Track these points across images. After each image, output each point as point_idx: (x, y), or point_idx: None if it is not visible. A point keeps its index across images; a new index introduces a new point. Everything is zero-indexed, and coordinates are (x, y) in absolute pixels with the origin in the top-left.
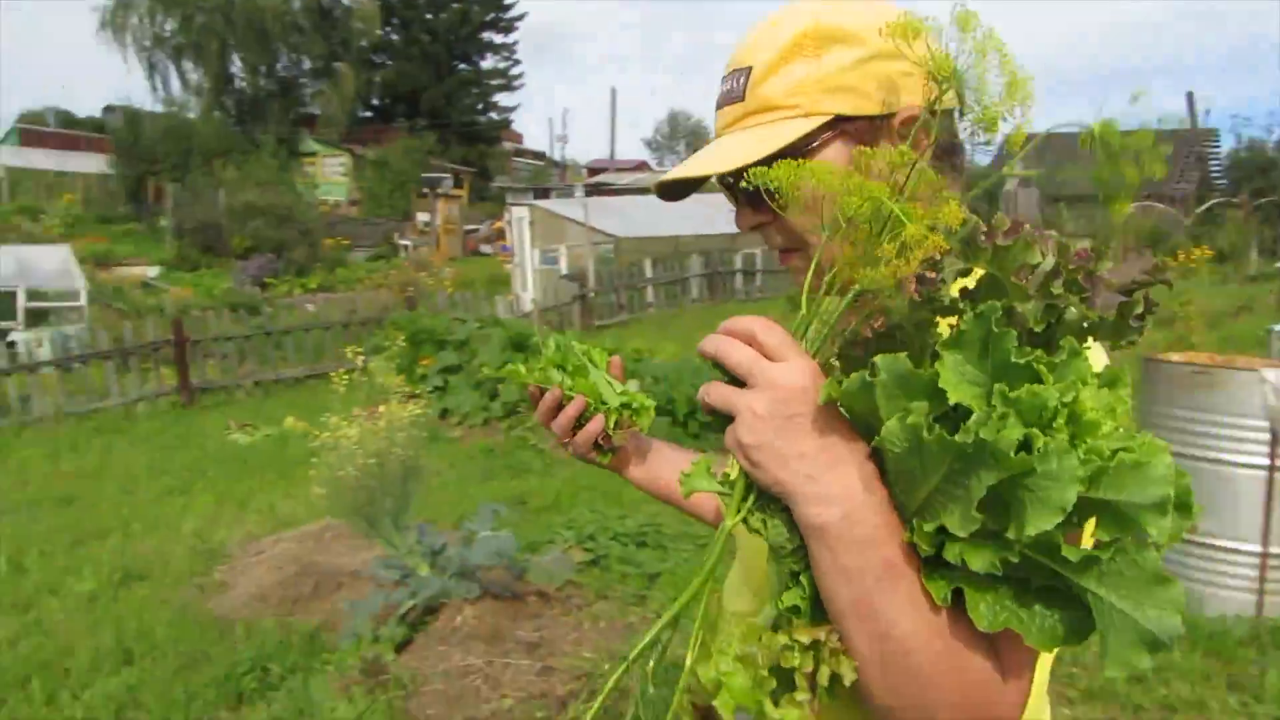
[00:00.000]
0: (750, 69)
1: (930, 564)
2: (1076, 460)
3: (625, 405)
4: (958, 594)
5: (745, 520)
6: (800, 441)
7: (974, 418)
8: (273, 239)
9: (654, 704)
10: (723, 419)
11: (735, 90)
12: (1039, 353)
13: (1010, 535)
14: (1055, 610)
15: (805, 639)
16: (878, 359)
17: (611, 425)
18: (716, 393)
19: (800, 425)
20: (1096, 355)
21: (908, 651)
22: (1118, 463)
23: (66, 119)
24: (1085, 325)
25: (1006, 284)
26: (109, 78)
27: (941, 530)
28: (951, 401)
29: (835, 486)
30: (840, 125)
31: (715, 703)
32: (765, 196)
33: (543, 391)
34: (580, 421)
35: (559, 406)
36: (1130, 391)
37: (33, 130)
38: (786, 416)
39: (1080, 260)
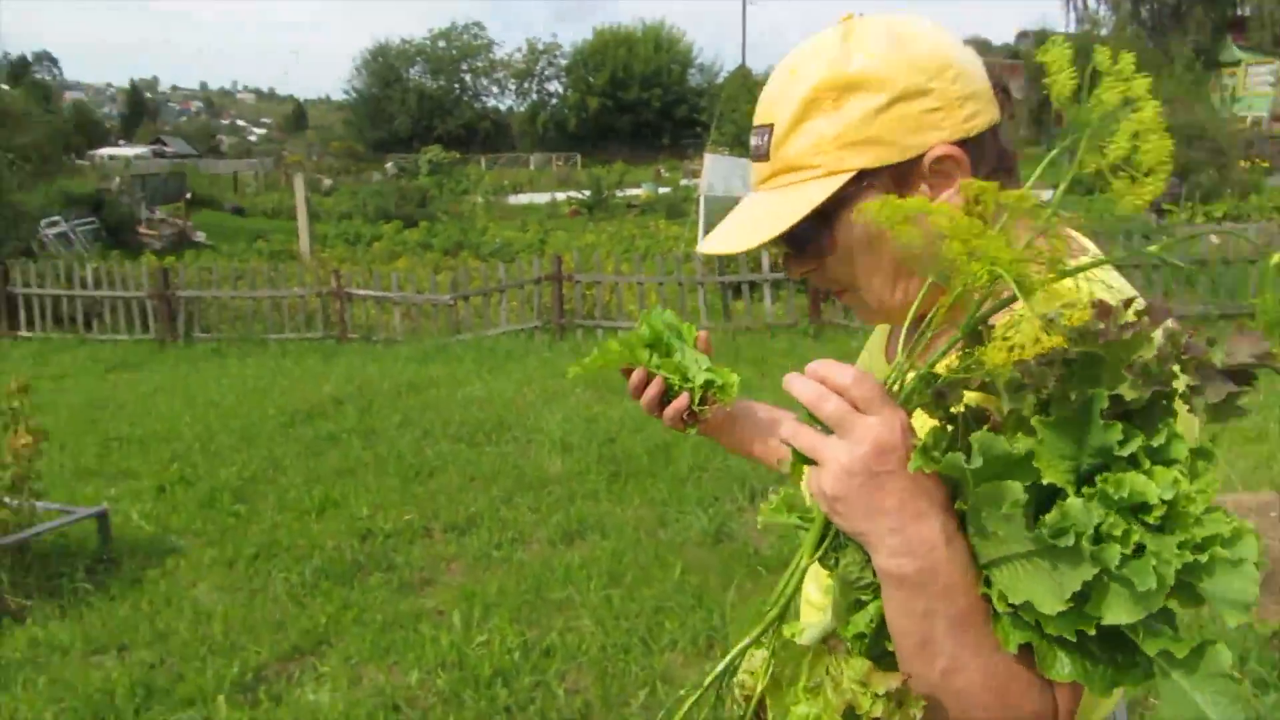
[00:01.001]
0: (772, 127)
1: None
2: (1172, 561)
3: (709, 383)
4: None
5: (819, 558)
6: (885, 498)
7: (1072, 514)
8: (1176, 161)
9: None
10: (805, 459)
11: (761, 148)
12: (1140, 438)
13: (1089, 611)
14: (1119, 658)
15: (881, 689)
16: (974, 441)
17: (696, 401)
18: (805, 439)
19: (886, 481)
20: (1189, 427)
21: (969, 694)
22: (1211, 557)
23: (981, 46)
24: (1189, 410)
25: (1114, 368)
26: (1023, 4)
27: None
28: (1045, 481)
29: (915, 540)
30: (866, 178)
31: None
32: (809, 249)
33: (633, 370)
34: (669, 398)
35: (648, 383)
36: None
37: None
38: (873, 473)
39: (1192, 351)
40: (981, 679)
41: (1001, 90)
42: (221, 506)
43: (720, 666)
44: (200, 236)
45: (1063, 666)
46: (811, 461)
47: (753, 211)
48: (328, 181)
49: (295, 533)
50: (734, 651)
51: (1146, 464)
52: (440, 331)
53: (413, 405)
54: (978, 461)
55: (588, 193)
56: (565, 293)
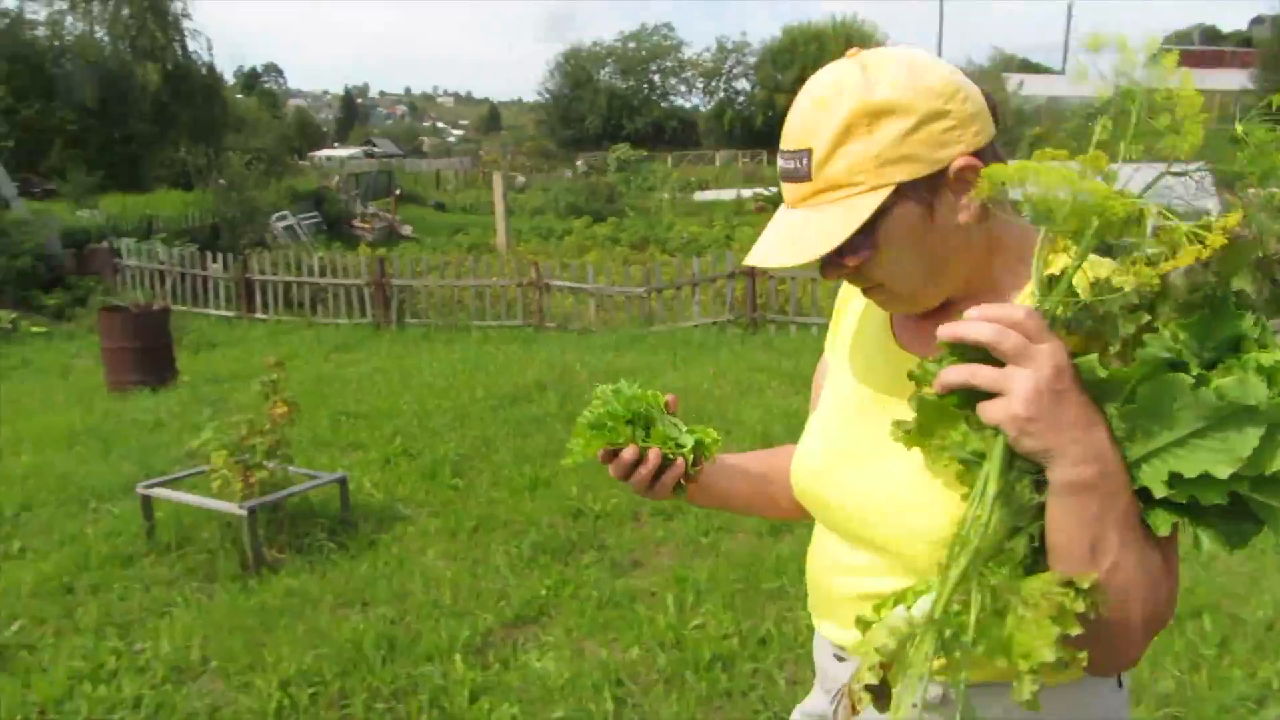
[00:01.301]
0: (811, 151)
1: (1150, 502)
2: None
3: (699, 443)
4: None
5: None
6: (1067, 411)
7: (1232, 382)
8: None
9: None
10: (966, 398)
11: (801, 170)
12: (1262, 322)
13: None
14: (1236, 524)
15: (1085, 584)
16: (1139, 354)
17: (690, 466)
18: (985, 375)
19: (1065, 397)
20: None
21: (1129, 587)
22: None
23: (1211, 34)
24: None
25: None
26: None
27: (1173, 474)
28: (1194, 374)
29: (1094, 447)
30: (903, 190)
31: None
32: (851, 255)
33: (613, 452)
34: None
35: (636, 461)
36: None
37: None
38: (1056, 392)
39: None
40: (1139, 572)
41: (992, 109)
42: (442, 480)
43: (943, 600)
44: (407, 230)
45: (1203, 543)
46: (983, 397)
47: (804, 227)
48: (521, 179)
49: (511, 508)
50: (950, 585)
51: (1271, 344)
52: (633, 323)
53: None
54: (1142, 369)
55: (774, 189)
56: (758, 288)
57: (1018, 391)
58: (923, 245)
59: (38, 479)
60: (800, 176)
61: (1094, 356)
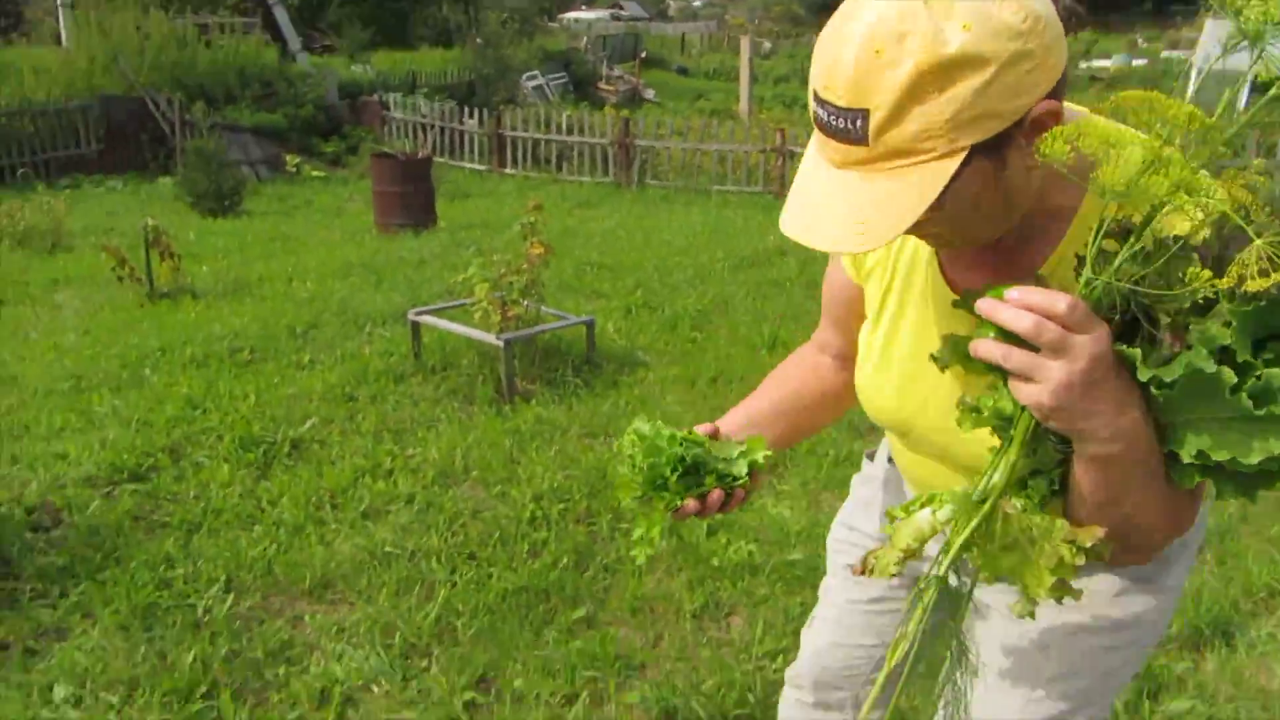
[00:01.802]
0: (867, 112)
1: (1176, 462)
2: None
3: (753, 463)
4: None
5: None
6: (1099, 400)
7: (1271, 387)
8: None
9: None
10: (999, 369)
11: (855, 133)
12: None
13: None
14: (1257, 480)
15: (1087, 543)
16: (1195, 338)
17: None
18: (1018, 359)
19: (1099, 386)
20: None
21: (1149, 524)
22: None
23: None
24: None
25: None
26: None
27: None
28: (1240, 360)
29: (1123, 429)
30: (976, 149)
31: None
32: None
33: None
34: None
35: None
36: None
37: None
38: (1089, 383)
39: None
40: (1159, 513)
41: (1063, 7)
42: (681, 332)
43: (950, 556)
44: (650, 94)
45: (1226, 492)
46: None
47: (862, 199)
48: (767, 45)
49: (747, 364)
50: (960, 540)
51: None
52: None
53: None
54: (1183, 370)
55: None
56: None
57: (1049, 382)
58: (990, 198)
59: (321, 303)
60: (854, 139)
61: (1138, 352)
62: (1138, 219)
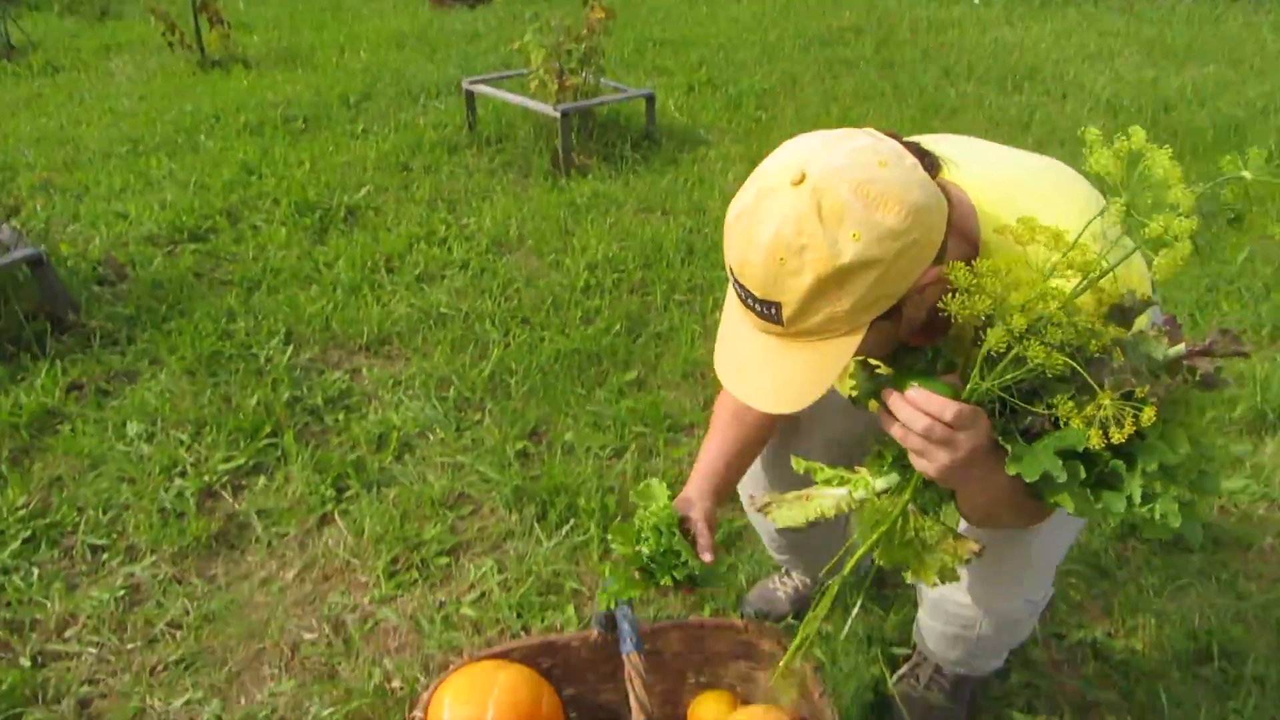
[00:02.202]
0: (781, 305)
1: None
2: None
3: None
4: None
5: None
6: (974, 472)
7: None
8: None
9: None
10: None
11: (771, 316)
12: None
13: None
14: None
15: (965, 555)
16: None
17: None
18: (914, 442)
19: (976, 465)
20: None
21: (1012, 522)
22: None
23: None
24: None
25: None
26: None
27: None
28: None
29: (993, 488)
30: (877, 318)
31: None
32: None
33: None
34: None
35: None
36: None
37: None
38: (968, 464)
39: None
40: (1022, 518)
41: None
42: (745, 110)
43: (858, 554)
44: None
45: (1068, 508)
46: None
47: (790, 364)
48: None
49: None
50: (867, 545)
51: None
52: None
53: (933, 43)
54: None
55: None
56: None
57: (934, 463)
58: (890, 339)
59: (374, 73)
60: (770, 319)
61: (1009, 448)
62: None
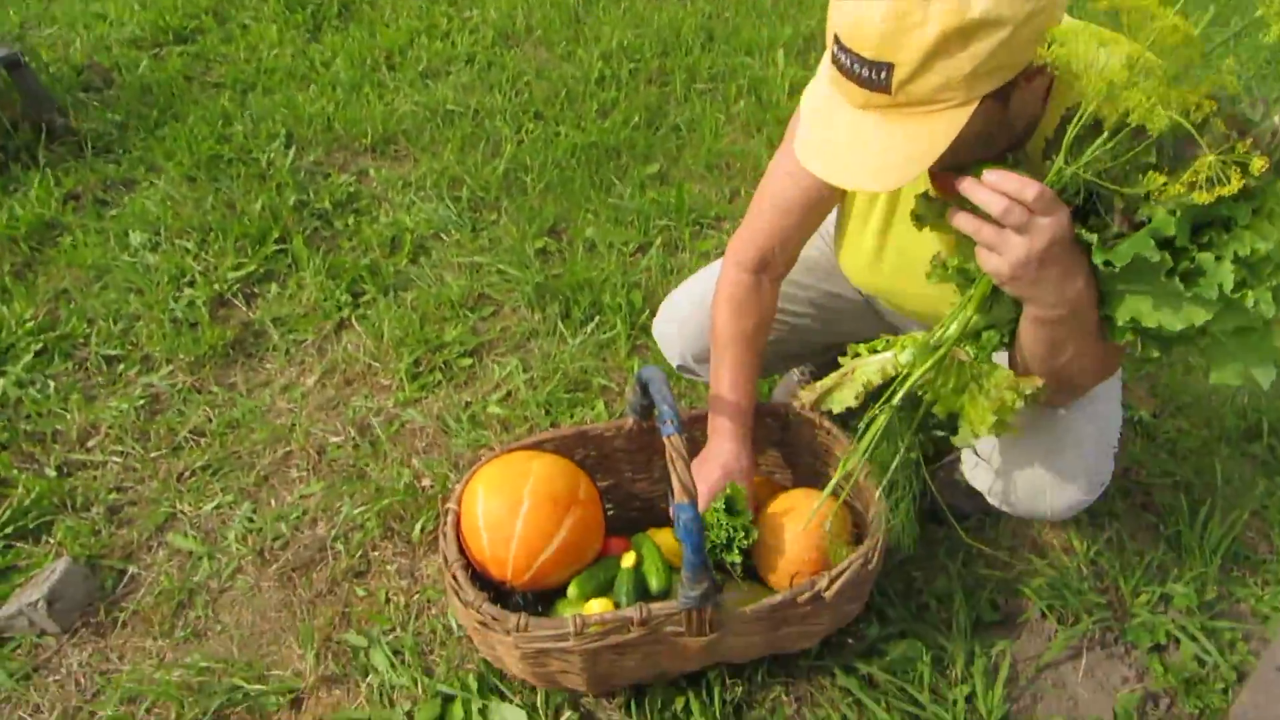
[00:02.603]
0: (892, 65)
1: (1111, 323)
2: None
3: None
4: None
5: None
6: (1051, 273)
7: (1209, 273)
8: None
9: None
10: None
11: (878, 82)
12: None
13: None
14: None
15: (1028, 390)
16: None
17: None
18: (987, 234)
19: (1054, 262)
20: None
21: (1081, 367)
22: None
23: None
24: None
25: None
26: None
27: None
28: (1179, 245)
29: (1069, 295)
30: (988, 95)
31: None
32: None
33: None
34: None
35: None
36: None
37: None
38: (1044, 260)
39: None
40: (1092, 363)
41: None
42: None
43: (905, 387)
44: None
45: (1149, 350)
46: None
47: (890, 140)
48: None
49: None
50: (916, 376)
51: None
52: None
53: None
54: (1130, 254)
55: None
56: None
57: (1008, 256)
58: (992, 131)
59: None
60: (876, 87)
61: (1094, 236)
62: (1111, 117)
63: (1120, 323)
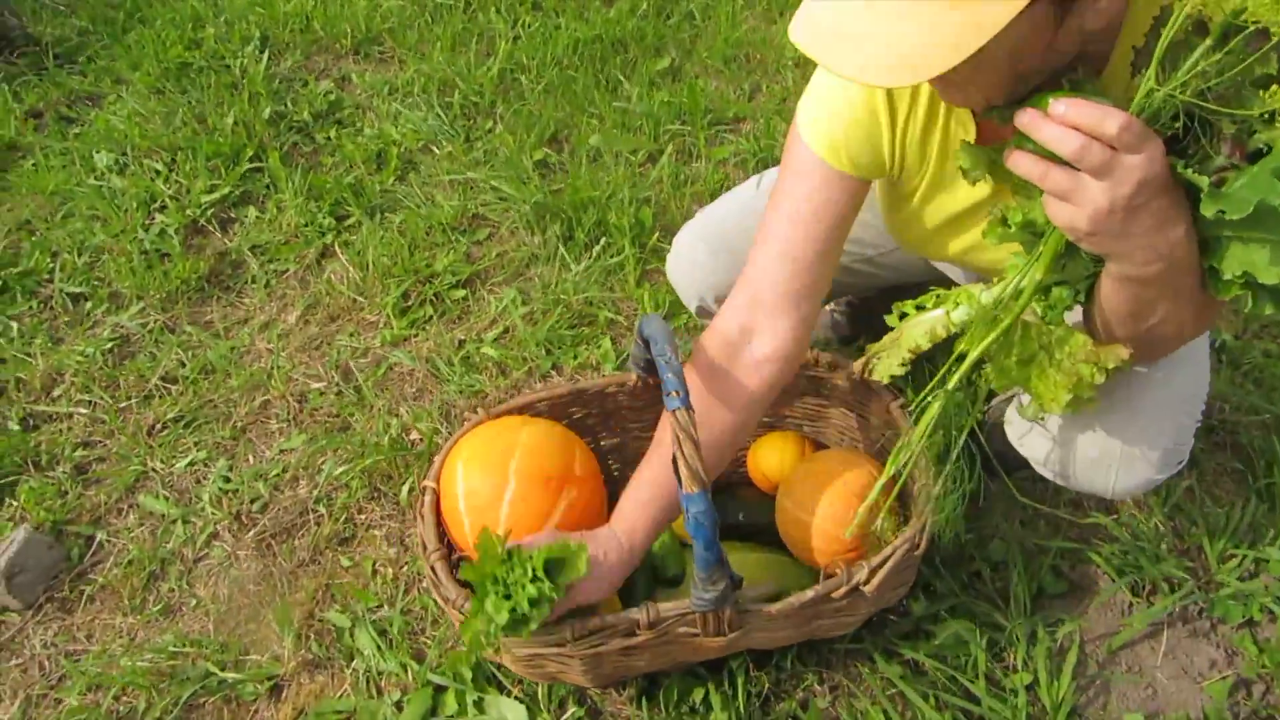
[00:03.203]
0: None
1: (1216, 275)
2: None
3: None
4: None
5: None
6: (1141, 221)
7: None
8: None
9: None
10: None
11: None
12: None
13: None
14: None
15: (1111, 364)
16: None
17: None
18: (1056, 180)
19: (1143, 208)
20: None
21: (1173, 329)
22: None
23: None
24: None
25: None
26: None
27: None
28: None
29: (1164, 247)
30: None
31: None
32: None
33: None
34: None
35: None
36: None
37: None
38: (1132, 207)
39: None
40: (1188, 322)
41: None
42: None
43: (964, 367)
44: None
45: (1262, 305)
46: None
47: (918, 22)
48: None
49: None
50: (976, 353)
51: None
52: None
53: None
54: (1245, 192)
55: None
56: None
57: (1087, 208)
58: (1034, 55)
59: None
60: None
61: (1205, 181)
62: (1217, 16)
63: (1228, 276)
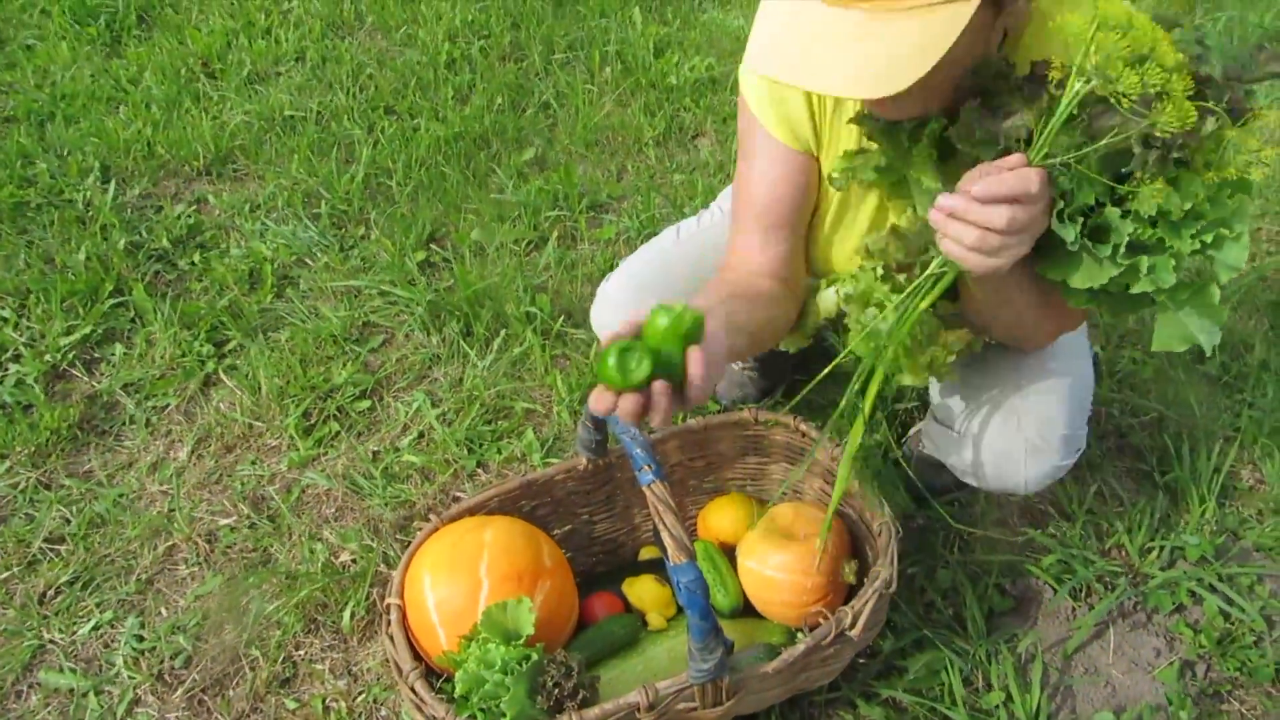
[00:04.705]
0: None
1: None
2: (1185, 252)
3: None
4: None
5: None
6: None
7: (1115, 229)
8: None
9: None
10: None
11: None
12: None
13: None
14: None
15: (957, 347)
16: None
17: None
18: (994, 243)
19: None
20: None
21: (1030, 321)
22: (1217, 237)
23: None
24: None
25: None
26: None
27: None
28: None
29: (1018, 271)
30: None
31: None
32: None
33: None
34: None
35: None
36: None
37: None
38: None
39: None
40: (1046, 313)
41: None
42: None
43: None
44: None
45: (1104, 314)
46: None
47: (886, 38)
48: None
49: None
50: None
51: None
52: None
53: None
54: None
55: None
56: None
57: (1007, 256)
58: (965, 56)
59: None
60: None
61: (1071, 233)
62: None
63: (1074, 286)
